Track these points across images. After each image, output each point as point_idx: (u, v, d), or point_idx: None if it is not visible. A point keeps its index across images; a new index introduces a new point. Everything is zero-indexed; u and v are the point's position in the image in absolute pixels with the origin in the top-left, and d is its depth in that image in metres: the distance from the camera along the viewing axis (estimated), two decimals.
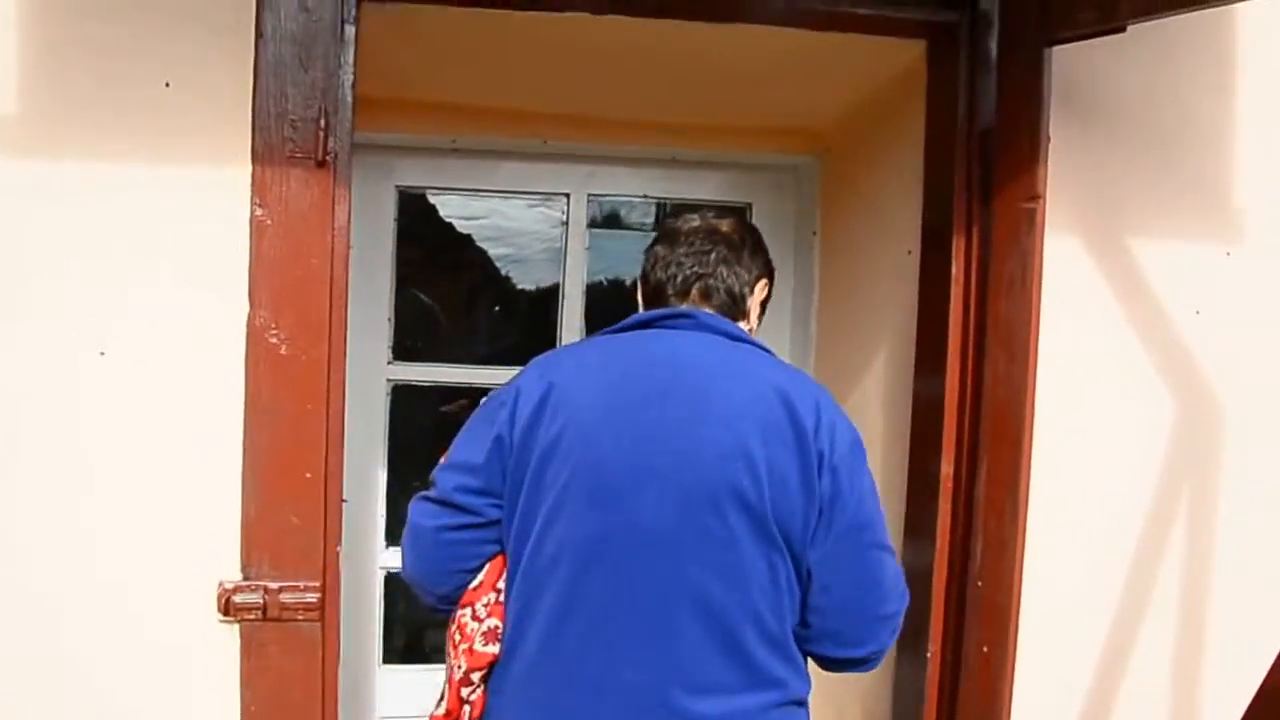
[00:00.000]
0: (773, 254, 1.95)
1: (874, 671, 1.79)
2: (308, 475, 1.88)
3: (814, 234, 3.09)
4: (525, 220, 3.73)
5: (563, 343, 3.01)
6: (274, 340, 1.86)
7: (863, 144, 2.84)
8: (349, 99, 1.89)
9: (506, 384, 1.75)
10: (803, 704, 1.70)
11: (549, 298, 3.18)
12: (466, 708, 1.71)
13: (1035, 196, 2.04)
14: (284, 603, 1.86)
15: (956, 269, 2.20)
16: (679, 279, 1.81)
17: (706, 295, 1.81)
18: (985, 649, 2.13)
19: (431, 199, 3.54)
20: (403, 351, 3.04)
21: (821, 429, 1.63)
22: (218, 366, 1.85)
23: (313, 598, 1.88)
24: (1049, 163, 2.05)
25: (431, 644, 3.47)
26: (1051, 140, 2.05)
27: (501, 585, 1.71)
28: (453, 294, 3.87)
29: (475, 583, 1.72)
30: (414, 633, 3.45)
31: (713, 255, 1.81)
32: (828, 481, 1.62)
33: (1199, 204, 2.29)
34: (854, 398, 2.74)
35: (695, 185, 3.09)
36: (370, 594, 2.98)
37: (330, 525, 1.90)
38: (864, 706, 2.60)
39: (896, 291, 2.51)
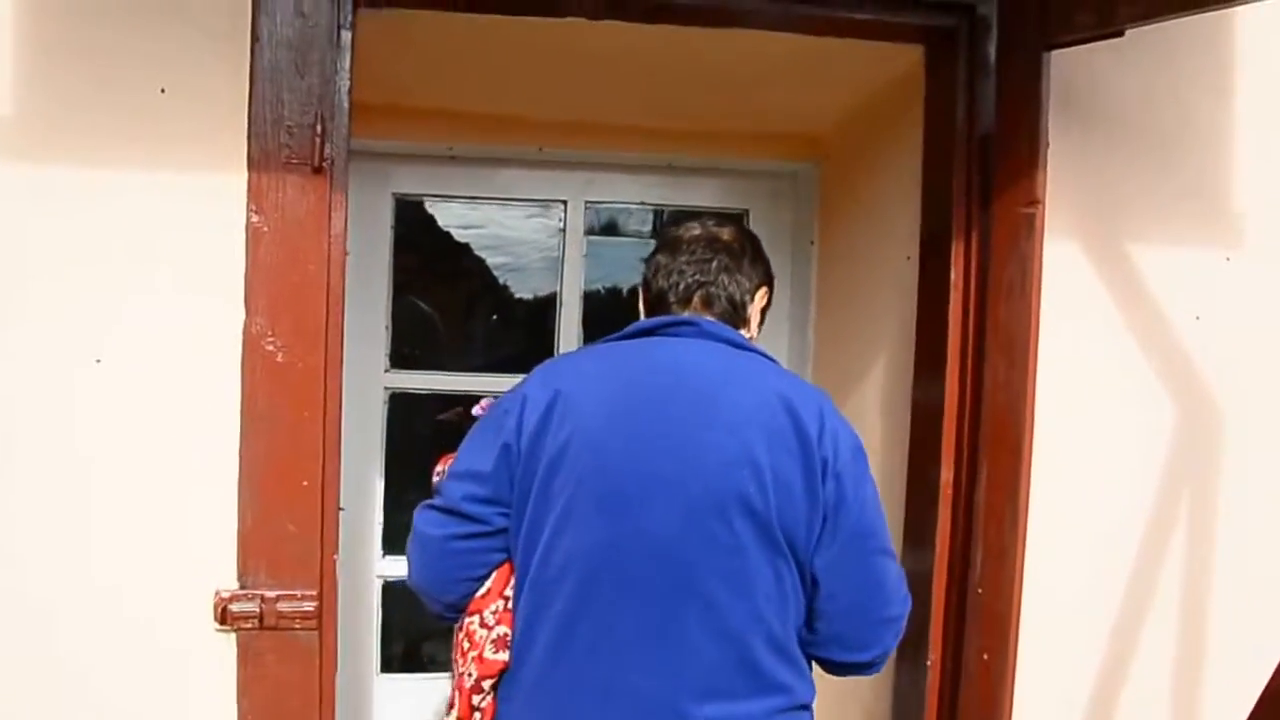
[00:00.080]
0: (771, 260, 1.96)
1: (874, 679, 1.78)
2: (304, 483, 1.87)
3: (811, 243, 3.09)
4: (523, 229, 3.73)
5: (560, 351, 3.01)
6: (270, 347, 1.85)
7: (861, 149, 2.83)
8: (345, 105, 1.89)
9: (511, 391, 1.76)
10: (808, 708, 1.72)
11: (547, 306, 3.18)
12: (477, 715, 1.71)
13: (1034, 201, 2.03)
14: (281, 611, 1.85)
15: (956, 275, 2.19)
16: (681, 287, 1.83)
17: (708, 303, 1.83)
18: (985, 656, 2.12)
19: (429, 208, 3.54)
20: (400, 360, 3.04)
21: (825, 436, 1.65)
22: (214, 374, 1.84)
23: (310, 606, 1.86)
24: (1048, 167, 2.04)
25: (429, 653, 3.47)
26: (1050, 145, 2.05)
27: (509, 592, 1.72)
28: (450, 302, 3.88)
29: (483, 590, 1.73)
30: (412, 641, 3.45)
31: (714, 263, 1.83)
32: (832, 488, 1.64)
33: (1199, 208, 2.29)
34: (853, 404, 2.73)
35: (693, 192, 3.08)
36: (368, 602, 2.97)
37: (327, 533, 1.89)
38: (864, 715, 2.59)
39: (895, 297, 2.51)
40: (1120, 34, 1.94)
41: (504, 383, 2.15)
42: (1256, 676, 1.77)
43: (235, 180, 1.84)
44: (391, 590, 2.98)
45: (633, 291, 1.90)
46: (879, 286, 2.66)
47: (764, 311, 1.92)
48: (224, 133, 1.83)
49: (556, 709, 1.64)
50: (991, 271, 2.13)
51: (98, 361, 1.82)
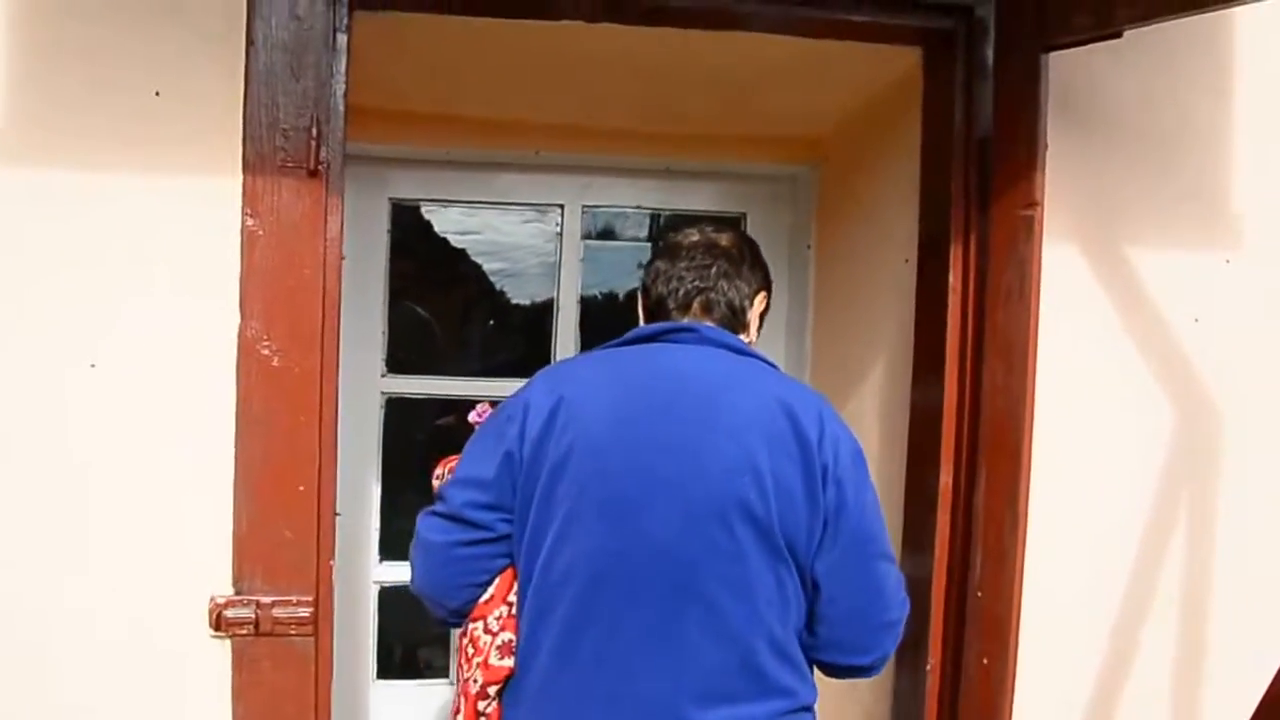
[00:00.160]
0: (769, 263, 1.96)
1: (874, 682, 1.78)
2: (300, 488, 1.86)
3: (809, 246, 3.09)
4: (519, 234, 3.73)
5: (557, 356, 3.00)
6: (266, 351, 1.84)
7: (859, 152, 2.83)
8: (341, 108, 1.88)
9: (514, 396, 1.76)
10: (810, 710, 1.73)
11: (544, 311, 3.18)
12: None
13: (1033, 204, 2.03)
14: (276, 617, 1.84)
15: (954, 278, 2.18)
16: (680, 293, 1.84)
17: (708, 309, 1.84)
18: (985, 660, 2.11)
19: (425, 214, 3.54)
20: (397, 364, 3.03)
21: (825, 441, 1.66)
22: (209, 378, 1.83)
23: (305, 612, 1.86)
24: (1047, 170, 2.03)
25: (425, 659, 3.46)
26: (1049, 147, 2.04)
27: (513, 598, 1.72)
28: (447, 307, 3.88)
29: (486, 596, 1.73)
30: (408, 647, 3.44)
31: (713, 269, 1.84)
32: (832, 494, 1.65)
33: (1198, 210, 2.28)
34: (851, 407, 2.72)
35: (690, 196, 3.08)
36: (364, 608, 2.96)
37: (323, 539, 1.88)
38: (865, 719, 2.59)
39: (894, 301, 2.50)
40: (1118, 35, 1.93)
41: (501, 387, 2.15)
42: (1256, 680, 1.77)
43: (230, 183, 1.83)
44: (388, 596, 2.98)
45: (630, 296, 1.90)
46: (877, 290, 2.66)
47: (763, 316, 1.93)
48: (219, 136, 1.83)
49: (561, 714, 1.64)
50: (990, 274, 2.12)
51: (92, 366, 1.82)
